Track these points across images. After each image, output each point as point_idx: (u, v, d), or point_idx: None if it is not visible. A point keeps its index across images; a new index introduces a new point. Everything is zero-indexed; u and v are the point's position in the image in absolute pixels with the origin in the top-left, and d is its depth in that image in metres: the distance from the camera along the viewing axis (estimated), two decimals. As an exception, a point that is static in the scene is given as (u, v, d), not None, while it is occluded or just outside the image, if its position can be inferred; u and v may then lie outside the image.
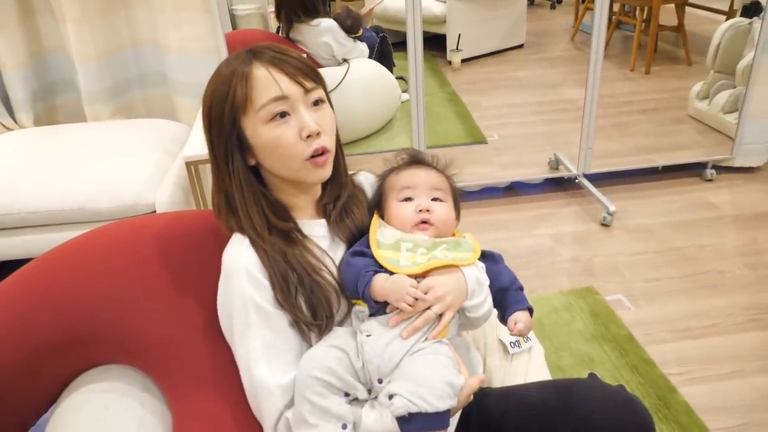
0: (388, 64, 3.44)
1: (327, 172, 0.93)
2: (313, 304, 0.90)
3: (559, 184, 2.62)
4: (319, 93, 0.90)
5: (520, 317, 0.96)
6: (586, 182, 2.53)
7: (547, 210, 2.45)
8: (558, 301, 1.89)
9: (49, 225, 1.86)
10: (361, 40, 3.27)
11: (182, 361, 0.99)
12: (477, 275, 0.93)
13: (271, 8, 3.31)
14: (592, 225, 2.33)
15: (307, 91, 0.88)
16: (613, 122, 3.13)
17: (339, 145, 0.98)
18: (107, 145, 2.07)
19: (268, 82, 0.86)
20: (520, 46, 4.63)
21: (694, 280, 1.98)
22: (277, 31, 3.15)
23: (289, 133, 0.87)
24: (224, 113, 0.88)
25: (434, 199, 0.98)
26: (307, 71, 0.89)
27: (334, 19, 3.08)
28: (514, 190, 2.60)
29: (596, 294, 1.92)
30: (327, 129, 0.90)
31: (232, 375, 0.92)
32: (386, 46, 3.46)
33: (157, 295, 1.01)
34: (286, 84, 0.87)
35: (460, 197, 1.06)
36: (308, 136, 0.87)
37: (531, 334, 1.35)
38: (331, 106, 0.95)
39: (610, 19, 4.59)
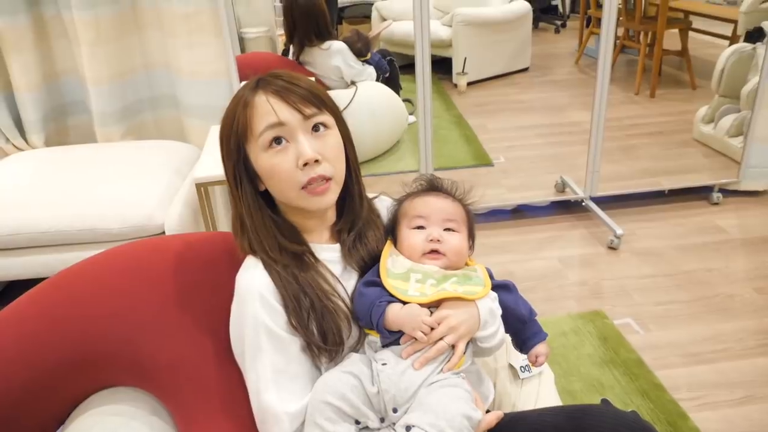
0: (395, 87, 3.48)
1: (328, 199, 0.91)
2: (323, 330, 0.89)
3: (566, 207, 2.62)
4: (320, 118, 0.89)
5: (541, 350, 1.00)
6: (593, 205, 2.53)
7: (554, 233, 2.45)
8: (566, 324, 1.88)
9: (60, 245, 1.87)
10: (369, 63, 3.31)
11: (193, 385, 0.98)
12: (490, 306, 0.93)
13: (279, 31, 3.36)
14: (600, 248, 2.32)
15: (306, 117, 0.88)
16: (619, 145, 3.14)
17: (354, 171, 0.98)
18: (118, 166, 2.09)
19: (265, 110, 0.87)
20: (525, 70, 4.67)
21: (703, 304, 1.97)
22: (284, 53, 3.20)
23: (285, 160, 0.87)
24: (231, 139, 0.90)
25: (447, 229, 0.98)
26: (310, 98, 0.88)
27: (344, 41, 3.12)
28: (521, 212, 2.60)
29: (605, 318, 1.91)
30: (329, 156, 0.89)
31: (243, 400, 0.92)
32: (393, 69, 3.50)
33: (170, 318, 1.00)
34: (284, 111, 0.87)
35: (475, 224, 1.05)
36: (305, 165, 0.87)
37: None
38: (344, 130, 0.95)
39: (615, 43, 4.66)
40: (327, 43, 3.08)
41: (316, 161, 0.88)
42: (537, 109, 4.00)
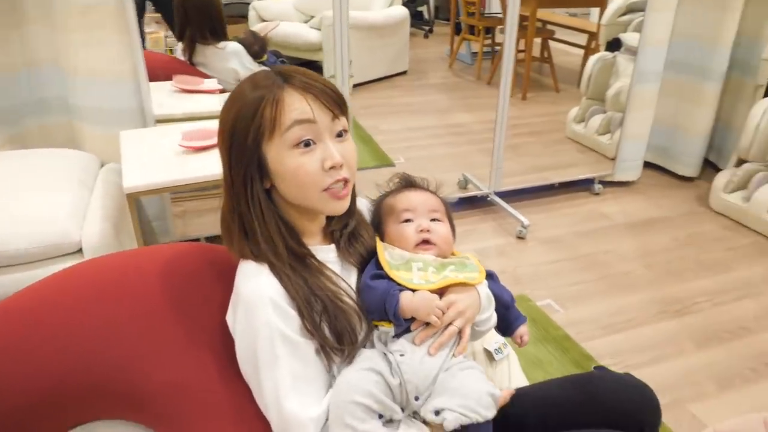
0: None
1: (345, 204, 0.92)
2: (337, 330, 0.89)
3: (472, 203, 2.80)
4: (343, 123, 0.90)
5: (524, 330, 1.10)
6: (498, 199, 2.74)
7: (466, 227, 2.61)
8: (498, 309, 2.03)
9: (-39, 269, 1.62)
10: (265, 65, 3.25)
11: (199, 406, 0.93)
12: (486, 291, 1.00)
13: (149, 29, 3.19)
14: (510, 238, 2.53)
15: (334, 117, 0.88)
16: (505, 144, 3.42)
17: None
18: (9, 178, 1.82)
19: (299, 106, 0.85)
20: (404, 73, 4.87)
21: (606, 282, 2.24)
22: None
23: (312, 162, 0.86)
24: (248, 136, 0.85)
25: (433, 220, 1.03)
26: (336, 98, 0.89)
27: (240, 42, 3.03)
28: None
29: (529, 301, 2.10)
30: (349, 161, 0.89)
31: (255, 415, 0.89)
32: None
33: (162, 336, 0.94)
34: (316, 109, 0.86)
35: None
36: (331, 167, 0.86)
37: (507, 341, 1.46)
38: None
39: (492, 50, 5.02)
40: (222, 43, 2.97)
41: (341, 165, 0.88)
42: (423, 111, 4.19)
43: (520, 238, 2.52)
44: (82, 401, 0.89)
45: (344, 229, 1.00)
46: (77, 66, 2.07)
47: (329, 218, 1.00)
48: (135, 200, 1.70)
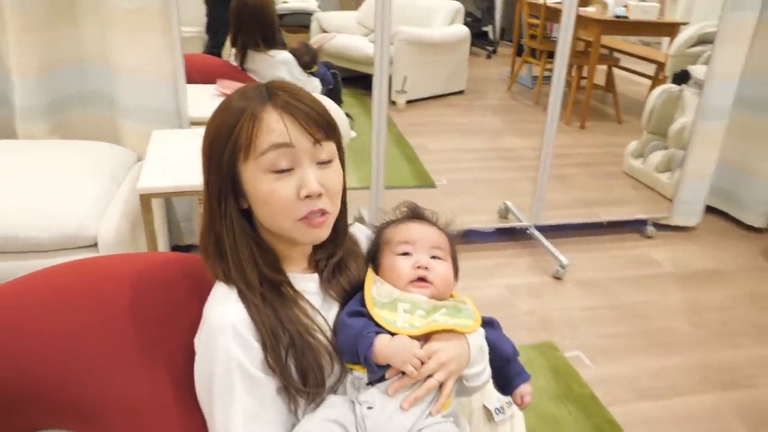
0: (337, 100, 3.41)
1: (323, 233, 0.85)
2: (304, 369, 0.81)
3: (510, 234, 2.64)
4: (329, 148, 0.82)
5: (526, 390, 0.96)
6: (537, 234, 2.57)
7: (500, 260, 2.45)
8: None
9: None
10: (315, 76, 3.22)
11: (148, 429, 0.86)
12: (479, 342, 0.89)
13: None
14: (545, 277, 2.35)
15: (315, 142, 0.80)
16: (554, 174, 3.22)
17: (344, 206, 0.91)
18: (43, 167, 1.85)
19: (275, 127, 0.78)
20: (461, 92, 4.75)
21: (645, 338, 2.03)
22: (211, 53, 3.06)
23: (286, 189, 0.79)
24: (224, 151, 0.80)
25: (433, 257, 0.93)
26: (320, 121, 0.81)
27: (292, 53, 3.01)
28: (467, 237, 2.59)
29: (556, 350, 1.92)
30: (330, 190, 0.83)
31: None
32: (337, 82, 3.43)
33: (122, 352, 0.89)
34: (294, 132, 0.79)
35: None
36: (307, 197, 0.80)
37: (511, 400, 1.32)
38: (342, 158, 0.87)
39: (549, 75, 4.84)
40: (273, 51, 2.96)
41: (319, 195, 0.80)
42: (474, 132, 4.06)
43: (557, 278, 2.34)
44: (29, 406, 0.85)
45: (330, 259, 0.91)
46: (121, 64, 2.10)
47: (316, 245, 0.91)
48: (165, 200, 1.67)
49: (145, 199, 1.63)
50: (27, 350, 0.84)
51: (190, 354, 0.85)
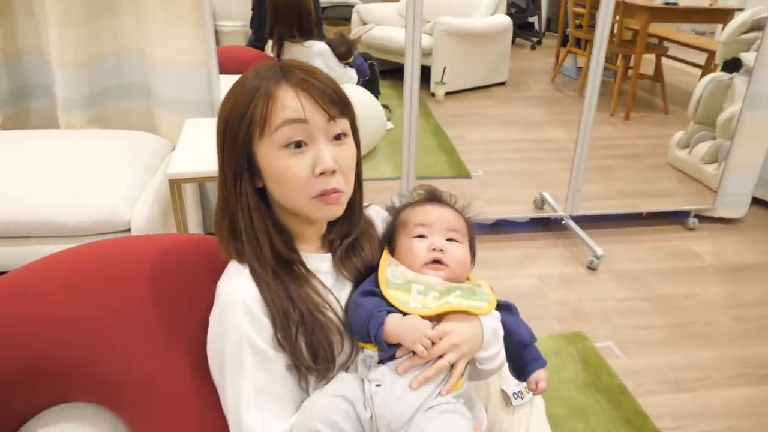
0: (374, 92, 3.42)
1: (338, 210, 0.85)
2: (314, 346, 0.82)
3: (545, 224, 2.59)
4: (343, 125, 0.83)
5: (541, 376, 0.94)
6: (572, 224, 2.51)
7: (533, 250, 2.41)
8: (548, 345, 1.84)
9: (12, 238, 1.72)
10: (351, 66, 3.24)
11: (165, 405, 0.89)
12: (494, 325, 0.88)
13: None
14: (579, 268, 2.30)
15: (330, 118, 0.81)
16: (595, 165, 3.14)
17: (359, 184, 0.91)
18: (81, 155, 1.94)
19: (290, 104, 0.79)
20: (503, 84, 4.68)
21: (682, 330, 1.96)
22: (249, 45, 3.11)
23: (301, 165, 0.80)
24: (240, 130, 0.81)
25: (449, 240, 0.92)
26: (335, 98, 0.82)
27: (328, 44, 3.05)
28: (500, 227, 2.56)
29: (586, 340, 1.88)
30: (344, 167, 0.83)
31: (220, 423, 0.83)
32: (374, 73, 3.44)
33: (141, 328, 0.91)
34: (309, 108, 0.79)
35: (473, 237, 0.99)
36: (321, 173, 0.80)
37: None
38: (356, 137, 0.88)
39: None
40: (309, 42, 3.00)
41: (333, 171, 0.81)
42: (514, 123, 3.99)
43: (591, 268, 2.28)
44: (55, 379, 0.88)
45: (344, 239, 0.92)
46: (157, 55, 2.16)
47: (330, 225, 0.92)
48: (200, 188, 1.72)
49: (175, 185, 1.68)
50: (55, 329, 0.87)
51: (206, 331, 0.87)
